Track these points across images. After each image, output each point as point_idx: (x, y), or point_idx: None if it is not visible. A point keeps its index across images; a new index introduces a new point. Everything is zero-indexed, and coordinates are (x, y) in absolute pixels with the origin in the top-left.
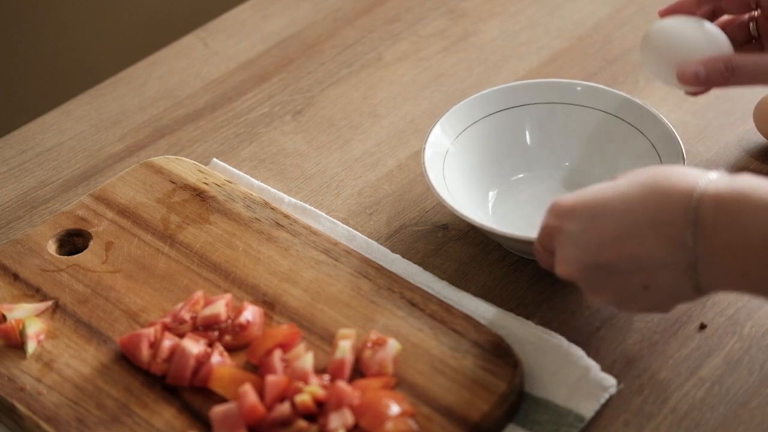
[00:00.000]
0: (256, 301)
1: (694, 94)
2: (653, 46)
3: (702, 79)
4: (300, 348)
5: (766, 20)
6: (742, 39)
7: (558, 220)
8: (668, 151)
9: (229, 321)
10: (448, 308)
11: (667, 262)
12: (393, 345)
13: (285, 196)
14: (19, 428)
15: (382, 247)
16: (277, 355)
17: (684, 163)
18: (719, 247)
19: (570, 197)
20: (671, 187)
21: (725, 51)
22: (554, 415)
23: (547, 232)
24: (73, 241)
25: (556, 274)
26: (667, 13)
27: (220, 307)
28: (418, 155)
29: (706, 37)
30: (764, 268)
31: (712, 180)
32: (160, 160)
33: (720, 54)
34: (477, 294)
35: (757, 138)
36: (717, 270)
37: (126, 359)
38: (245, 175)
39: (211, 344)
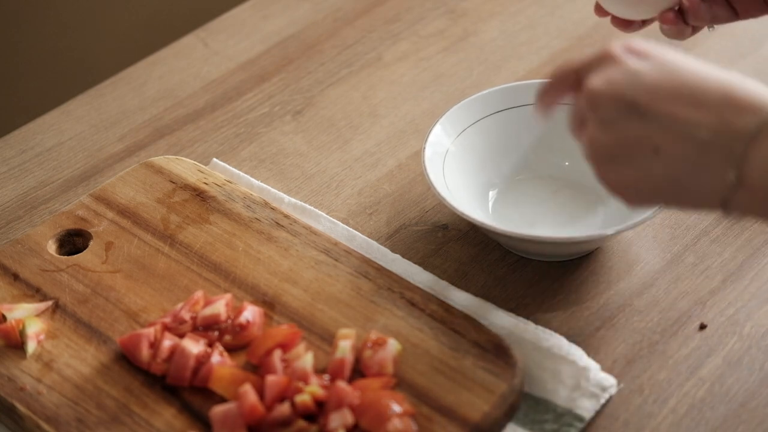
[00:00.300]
0: (256, 301)
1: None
2: None
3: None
4: (300, 348)
5: None
6: None
7: (627, 52)
8: None
9: (229, 321)
10: (448, 308)
11: (703, 138)
12: (393, 345)
13: (285, 196)
14: (19, 428)
15: (382, 247)
16: (277, 355)
17: None
18: None
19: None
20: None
21: None
22: (554, 415)
23: (606, 55)
24: (73, 241)
25: (586, 90)
26: None
27: (220, 307)
28: (418, 155)
29: None
30: None
31: None
32: (160, 160)
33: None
34: (477, 294)
35: None
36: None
37: (126, 359)
38: (245, 175)
39: (211, 344)
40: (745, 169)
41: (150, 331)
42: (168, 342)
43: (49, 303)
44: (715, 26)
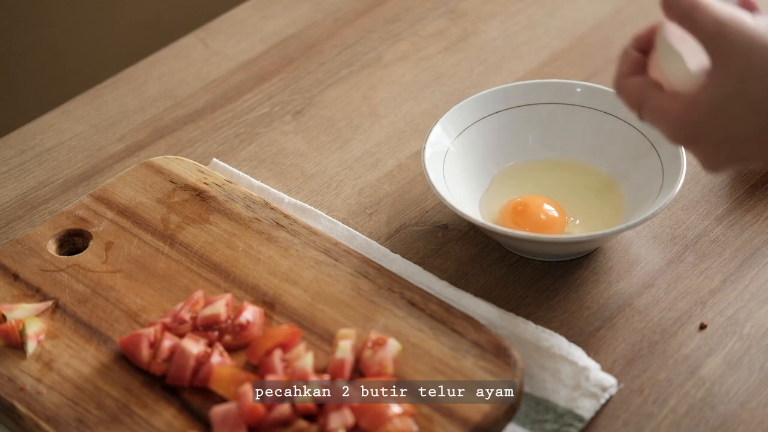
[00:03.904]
0: (256, 301)
1: None
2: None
3: None
4: (300, 348)
5: None
6: None
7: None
8: (668, 151)
9: (229, 321)
10: (448, 308)
11: None
12: (393, 345)
13: (285, 196)
14: (19, 428)
15: (382, 247)
16: (277, 355)
17: (684, 163)
18: None
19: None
20: None
21: None
22: (554, 415)
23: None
24: (73, 241)
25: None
26: None
27: (220, 307)
28: (418, 155)
29: None
30: None
31: None
32: (160, 160)
33: None
34: (477, 294)
35: None
36: None
37: (126, 359)
38: (245, 175)
39: (211, 344)
40: None
41: (150, 331)
42: (168, 342)
43: (49, 303)
44: None
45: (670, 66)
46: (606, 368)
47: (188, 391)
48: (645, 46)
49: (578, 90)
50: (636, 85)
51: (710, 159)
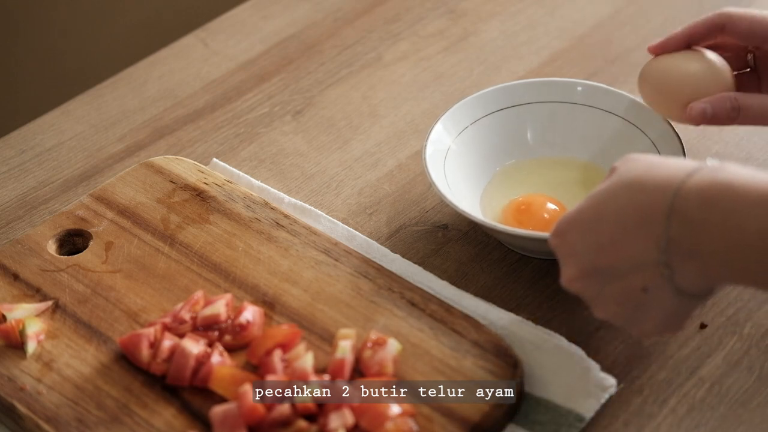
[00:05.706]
0: (256, 301)
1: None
2: (654, 84)
3: (708, 116)
4: (300, 348)
5: (766, 57)
6: (737, 67)
7: (560, 237)
8: (669, 150)
9: (229, 321)
10: (448, 308)
11: (662, 261)
12: (393, 345)
13: (285, 196)
14: (19, 428)
15: (382, 247)
16: (277, 355)
17: None
18: (710, 242)
19: (568, 213)
20: (653, 183)
21: (728, 82)
22: (554, 415)
23: (555, 252)
24: (73, 241)
25: (563, 286)
26: (657, 49)
27: (220, 307)
28: (418, 155)
29: (710, 70)
30: (761, 263)
31: (695, 171)
32: (160, 160)
33: (724, 85)
34: (477, 294)
35: (756, 138)
36: (710, 265)
37: (126, 359)
38: (245, 175)
39: (211, 344)
40: (680, 245)
41: (150, 331)
42: (168, 342)
43: (49, 303)
44: None
45: None
46: (606, 368)
47: (188, 391)
48: None
49: (579, 88)
50: None
51: (572, 256)
